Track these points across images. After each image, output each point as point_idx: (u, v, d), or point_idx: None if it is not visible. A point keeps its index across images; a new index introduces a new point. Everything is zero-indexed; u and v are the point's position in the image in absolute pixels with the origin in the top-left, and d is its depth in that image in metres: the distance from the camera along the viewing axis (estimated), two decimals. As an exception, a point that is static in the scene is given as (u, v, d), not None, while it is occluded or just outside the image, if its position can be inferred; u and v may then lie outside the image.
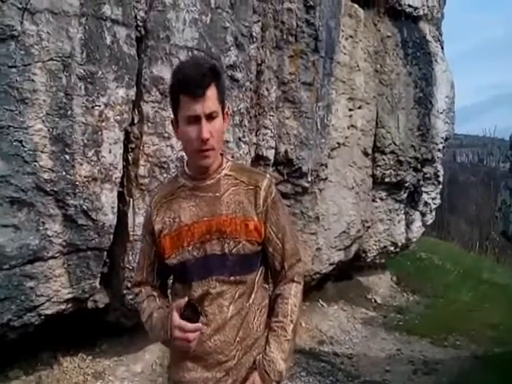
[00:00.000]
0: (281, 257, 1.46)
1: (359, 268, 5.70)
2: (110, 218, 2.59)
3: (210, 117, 1.33)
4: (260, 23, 3.51)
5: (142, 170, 2.73)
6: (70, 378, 3.01)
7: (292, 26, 3.85)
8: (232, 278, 1.38)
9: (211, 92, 1.32)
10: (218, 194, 1.40)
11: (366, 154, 4.89)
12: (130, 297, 2.83)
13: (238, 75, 3.21)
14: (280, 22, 3.80)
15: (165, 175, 2.82)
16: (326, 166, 4.43)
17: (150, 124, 2.75)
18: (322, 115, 4.29)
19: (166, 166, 2.82)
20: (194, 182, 1.42)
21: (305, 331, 4.25)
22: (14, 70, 2.21)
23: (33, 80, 2.27)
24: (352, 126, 4.67)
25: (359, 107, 4.68)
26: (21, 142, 2.26)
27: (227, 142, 3.16)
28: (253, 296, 1.43)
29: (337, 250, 4.68)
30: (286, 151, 3.96)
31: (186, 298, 1.32)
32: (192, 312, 1.30)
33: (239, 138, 3.26)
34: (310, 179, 4.18)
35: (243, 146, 3.31)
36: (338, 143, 4.54)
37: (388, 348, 4.26)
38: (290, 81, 3.93)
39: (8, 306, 2.37)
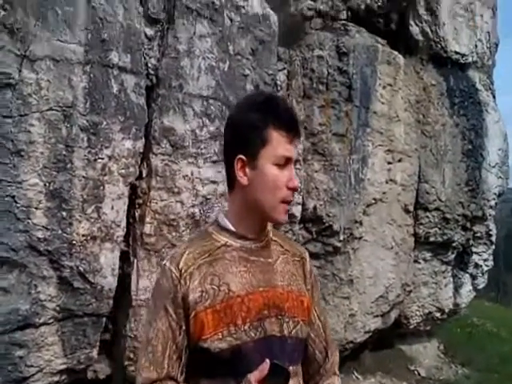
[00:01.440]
0: (322, 344, 1.30)
1: (401, 336, 5.27)
2: (109, 281, 2.41)
3: (294, 164, 1.20)
4: (286, 71, 3.37)
5: (148, 228, 2.56)
6: None
7: (322, 73, 3.71)
8: (290, 367, 1.13)
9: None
10: (270, 261, 1.21)
11: (406, 210, 4.58)
12: (132, 368, 2.60)
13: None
14: (309, 70, 3.66)
15: (174, 234, 2.64)
16: (361, 224, 4.15)
17: (158, 178, 2.60)
18: (357, 168, 4.06)
19: (174, 223, 2.64)
20: (240, 241, 1.19)
21: (335, 410, 3.85)
22: (9, 120, 2.13)
23: (29, 131, 2.18)
24: (391, 180, 4.40)
25: (399, 160, 4.42)
26: (13, 197, 2.15)
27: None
28: None
29: (373, 316, 4.32)
30: (314, 207, 3.73)
31: (268, 361, 1.05)
32: (281, 375, 1.04)
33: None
34: (342, 238, 3.91)
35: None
36: (375, 199, 4.26)
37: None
38: (320, 132, 3.75)
39: (-7, 378, 2.19)
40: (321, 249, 3.87)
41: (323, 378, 1.30)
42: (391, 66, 4.55)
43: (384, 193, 4.36)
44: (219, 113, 2.81)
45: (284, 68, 3.32)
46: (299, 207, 3.58)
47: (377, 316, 4.40)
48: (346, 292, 4.07)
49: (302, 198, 3.65)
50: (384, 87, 4.31)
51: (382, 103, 4.28)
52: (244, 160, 1.15)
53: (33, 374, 2.27)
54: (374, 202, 4.29)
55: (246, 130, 1.16)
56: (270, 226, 1.27)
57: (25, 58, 2.15)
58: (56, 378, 2.37)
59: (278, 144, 1.13)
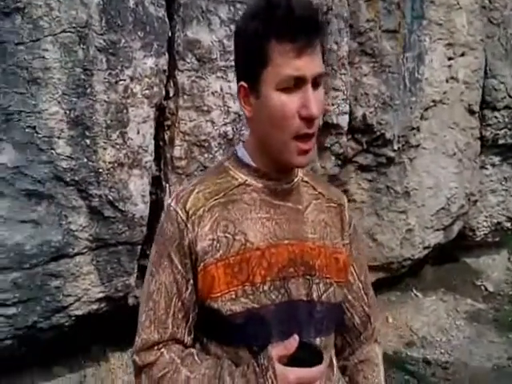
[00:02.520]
0: (363, 309, 1.19)
1: (466, 248, 5.29)
2: (140, 209, 2.56)
3: (316, 82, 0.96)
4: (325, -38, 3.20)
5: (177, 151, 2.65)
6: (116, 376, 3.11)
7: (370, -39, 3.50)
8: (318, 339, 1.05)
9: (319, 47, 0.97)
10: (300, 207, 1.07)
11: (471, 111, 4.43)
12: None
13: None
14: (355, -42, 3.46)
15: (206, 155, 2.72)
16: (419, 130, 4.08)
17: (186, 97, 2.64)
18: (412, 68, 3.92)
19: (206, 144, 2.71)
20: (262, 180, 1.05)
21: (391, 328, 4.04)
22: (21, 47, 2.19)
23: (44, 57, 2.24)
24: (452, 78, 4.23)
25: (462, 54, 4.22)
26: (34, 128, 2.26)
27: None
28: (335, 370, 1.13)
29: (434, 230, 4.36)
30: (364, 115, 3.68)
31: (296, 337, 0.95)
32: (311, 354, 0.94)
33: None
34: (396, 147, 3.88)
35: (304, 114, 3.11)
36: (434, 101, 4.14)
37: (497, 355, 3.87)
38: (368, 29, 3.61)
39: (33, 308, 2.44)
40: (372, 160, 3.87)
41: (363, 346, 1.21)
42: None
43: (444, 93, 4.22)
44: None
45: (323, -42, 3.15)
46: (346, 116, 3.55)
47: (437, 230, 4.43)
48: (402, 206, 4.10)
49: (349, 106, 3.60)
50: (443, -30, 4.03)
51: (441, -11, 4.03)
52: (245, 86, 1.00)
53: (71, 303, 2.51)
54: (432, 104, 4.17)
55: (244, 46, 1.01)
56: None
57: (31, -23, 2.16)
58: (95, 306, 2.61)
59: (283, 61, 0.94)
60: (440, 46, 4.14)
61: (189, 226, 1.01)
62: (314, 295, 1.04)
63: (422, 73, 4.03)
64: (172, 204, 1.05)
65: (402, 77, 3.82)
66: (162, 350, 1.02)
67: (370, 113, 3.68)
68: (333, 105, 3.43)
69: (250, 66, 0.99)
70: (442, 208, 4.38)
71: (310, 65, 0.94)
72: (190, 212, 1.02)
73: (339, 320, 1.15)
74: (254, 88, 0.99)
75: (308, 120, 0.96)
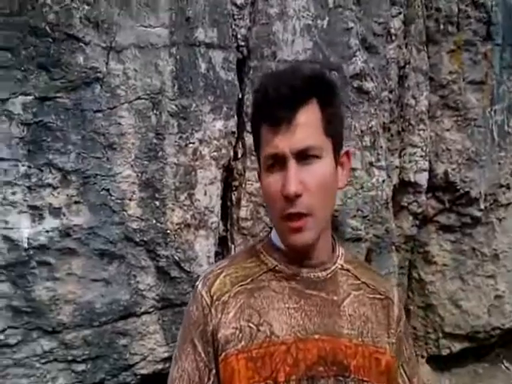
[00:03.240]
0: None
1: None
2: (205, 269, 2.76)
3: (305, 157, 0.99)
4: (402, 16, 3.38)
5: (243, 212, 2.86)
6: None
7: (452, 11, 3.63)
8: None
9: (308, 116, 0.98)
10: (335, 298, 1.05)
11: None
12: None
13: (368, 85, 3.14)
14: (434, 10, 3.61)
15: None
16: (509, 188, 4.06)
17: (253, 158, 2.85)
18: (501, 121, 3.95)
19: (273, 206, 2.89)
20: (293, 267, 1.07)
21: (476, 404, 3.96)
22: (99, 114, 2.50)
23: (119, 123, 2.54)
24: (548, 131, 4.20)
25: (558, 106, 4.19)
26: (108, 190, 2.55)
27: (353, 169, 3.12)
28: None
29: (527, 297, 4.26)
30: (445, 172, 3.75)
31: None
32: None
33: (370, 163, 3.19)
34: (483, 206, 3.89)
35: (377, 172, 3.24)
36: (527, 156, 4.12)
37: None
38: (451, 81, 3.71)
39: (101, 365, 2.68)
40: (456, 220, 3.90)
41: None
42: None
43: (539, 148, 4.20)
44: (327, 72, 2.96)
45: (400, 13, 3.32)
46: (425, 174, 3.64)
47: (531, 297, 4.33)
48: (491, 270, 4.06)
49: (430, 163, 3.69)
50: (537, 16, 4.06)
51: (535, 36, 4.06)
52: (257, 171, 1.10)
53: (137, 362, 2.73)
54: (525, 159, 4.16)
55: (251, 129, 1.10)
56: (341, 248, 1.16)
57: (111, 49, 2.48)
58: (160, 366, 2.81)
59: (265, 141, 1.01)
60: (533, 97, 4.15)
61: (213, 311, 1.03)
62: None
63: (513, 126, 4.05)
64: (199, 286, 1.08)
65: (489, 131, 3.86)
66: None
67: (453, 169, 3.73)
68: (410, 162, 3.53)
69: (255, 148, 1.10)
70: (537, 272, 4.29)
71: (288, 141, 0.96)
72: (215, 297, 1.04)
73: None
74: (259, 168, 1.08)
75: (288, 199, 0.97)
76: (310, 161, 0.98)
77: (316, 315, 1.01)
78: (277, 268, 1.07)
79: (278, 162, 0.99)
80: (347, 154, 1.09)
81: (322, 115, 1.00)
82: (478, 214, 3.88)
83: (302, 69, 1.06)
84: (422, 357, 3.97)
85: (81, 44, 2.36)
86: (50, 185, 2.39)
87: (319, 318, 1.02)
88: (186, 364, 1.05)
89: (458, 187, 3.77)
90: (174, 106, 2.63)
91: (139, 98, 2.56)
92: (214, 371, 1.03)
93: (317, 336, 1.00)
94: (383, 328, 1.07)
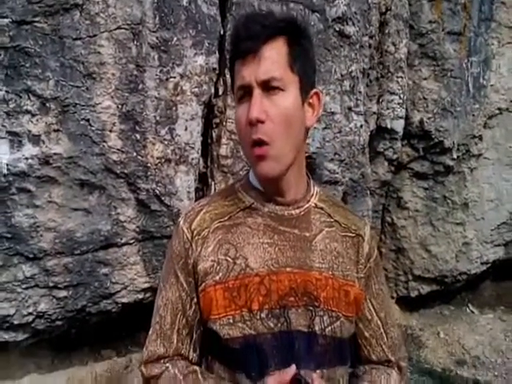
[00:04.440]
0: (381, 348, 1.16)
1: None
2: (185, 204, 2.70)
3: (269, 87, 0.98)
4: (385, -39, 3.27)
5: (223, 150, 2.78)
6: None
7: (433, -40, 3.53)
8: (319, 371, 1.03)
9: (274, 50, 0.98)
10: (307, 234, 1.07)
11: (540, 121, 4.33)
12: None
13: (350, 29, 3.06)
14: (416, -42, 3.50)
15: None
16: (481, 139, 4.04)
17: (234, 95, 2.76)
18: (477, 73, 3.91)
19: (253, 144, 2.82)
20: (269, 205, 1.08)
21: (442, 344, 4.01)
22: (78, 42, 2.38)
23: (99, 52, 2.42)
24: (521, 85, 4.16)
25: (533, 60, 4.14)
26: (88, 120, 2.45)
27: (333, 113, 3.06)
28: None
29: (493, 245, 4.30)
30: (421, 121, 3.71)
31: (293, 367, 0.97)
32: None
33: (349, 108, 3.12)
34: (455, 156, 3.87)
35: (355, 117, 3.17)
36: (500, 109, 4.09)
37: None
38: (430, 31, 3.63)
39: (82, 292, 2.63)
40: (429, 168, 3.88)
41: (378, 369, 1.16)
42: None
43: (512, 101, 4.17)
44: (301, 18, 2.85)
45: (383, -42, 3.21)
46: (401, 121, 3.59)
47: (498, 245, 4.36)
48: (460, 217, 4.07)
49: (406, 110, 3.63)
50: (517, -30, 3.98)
51: (514, -10, 3.98)
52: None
53: (118, 291, 2.69)
54: (498, 112, 4.13)
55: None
56: (317, 188, 1.16)
57: (90, -25, 2.35)
58: (140, 296, 2.77)
59: (237, 74, 1.02)
60: (509, 51, 4.09)
61: (193, 245, 1.06)
62: (317, 327, 1.03)
63: (488, 78, 4.00)
64: (181, 222, 1.10)
65: (464, 82, 3.82)
66: (168, 364, 1.07)
67: (428, 118, 3.69)
68: (387, 108, 3.47)
69: (231, 85, 1.08)
70: (504, 223, 4.30)
71: (254, 72, 0.97)
72: (195, 232, 1.06)
73: (347, 354, 1.11)
74: None
75: (252, 125, 0.98)
76: (275, 92, 0.98)
77: (289, 250, 1.04)
78: (253, 206, 1.09)
79: (246, 93, 1.00)
80: (317, 94, 1.05)
81: (288, 51, 0.99)
82: (451, 163, 3.87)
83: (275, 12, 1.05)
84: (392, 298, 3.99)
85: (60, -33, 2.22)
86: (28, 111, 2.29)
87: (292, 252, 1.04)
88: (170, 293, 1.08)
89: (433, 136, 3.74)
90: (154, 38, 2.52)
91: (119, 27, 2.45)
92: (195, 300, 1.06)
93: (289, 269, 1.03)
94: (353, 263, 1.10)
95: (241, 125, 1.02)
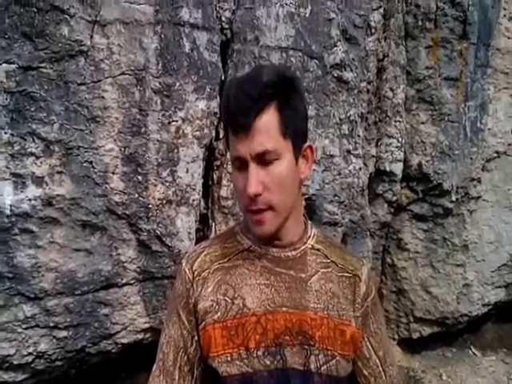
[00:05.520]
0: None
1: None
2: (186, 245, 2.68)
3: (264, 159, 1.02)
4: (382, 9, 3.32)
5: (224, 191, 2.78)
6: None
7: (430, 9, 3.59)
8: None
9: (266, 121, 1.01)
10: (303, 275, 1.10)
11: (538, 165, 4.32)
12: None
13: (348, 75, 3.09)
14: (414, 6, 3.56)
15: (252, 196, 2.82)
16: (480, 182, 4.03)
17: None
18: (474, 117, 3.93)
19: (253, 186, 2.82)
20: (265, 247, 1.13)
21: (444, 387, 3.91)
22: (83, 87, 2.41)
23: (103, 97, 2.45)
24: (518, 129, 4.18)
25: (529, 104, 4.17)
26: (91, 162, 2.45)
27: (332, 156, 3.06)
28: None
29: (494, 287, 4.23)
30: (419, 164, 3.70)
31: None
32: None
33: (348, 151, 3.13)
34: (454, 198, 3.85)
35: (354, 160, 3.18)
36: (497, 152, 4.10)
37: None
38: (427, 76, 3.66)
39: (82, 333, 2.59)
40: (428, 210, 3.86)
41: None
42: (521, -8, 4.23)
43: (510, 145, 4.18)
44: (300, 64, 2.90)
45: (380, 6, 3.27)
46: (399, 164, 3.58)
47: (499, 287, 4.30)
48: (460, 259, 4.03)
49: (405, 153, 3.64)
50: (510, 19, 4.03)
51: (508, 38, 4.03)
52: None
53: (118, 331, 2.64)
54: (496, 155, 4.14)
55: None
56: (314, 229, 1.19)
57: (96, 23, 2.39)
58: (140, 336, 2.73)
59: (231, 144, 1.07)
60: (505, 96, 4.12)
61: (194, 285, 1.11)
62: (312, 366, 1.05)
63: (485, 123, 4.02)
64: (183, 263, 1.16)
65: (462, 126, 3.83)
66: None
67: (427, 161, 3.69)
68: (386, 152, 3.47)
69: (226, 144, 1.15)
70: (504, 264, 4.26)
71: (248, 146, 1.01)
72: (195, 273, 1.12)
73: None
74: None
75: (250, 198, 1.03)
76: (270, 162, 1.02)
77: (284, 290, 1.07)
78: (251, 248, 1.13)
79: (242, 164, 1.05)
80: (310, 148, 1.10)
81: (279, 119, 1.02)
82: (450, 205, 3.85)
83: (262, 74, 1.05)
84: (394, 339, 3.91)
85: (65, 16, 2.27)
86: (32, 154, 2.30)
87: (287, 293, 1.07)
88: (173, 331, 1.13)
89: (432, 178, 3.73)
90: (157, 84, 2.55)
91: (123, 73, 2.48)
92: (196, 338, 1.10)
93: (284, 309, 1.06)
94: (349, 303, 1.11)
95: (238, 191, 1.07)
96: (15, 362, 2.46)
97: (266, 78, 1.04)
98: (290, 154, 1.05)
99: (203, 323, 1.08)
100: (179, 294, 1.13)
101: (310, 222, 1.21)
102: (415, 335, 3.93)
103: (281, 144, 1.02)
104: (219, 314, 1.07)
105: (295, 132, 1.05)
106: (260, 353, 1.04)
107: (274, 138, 1.02)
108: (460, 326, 4.17)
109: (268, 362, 1.03)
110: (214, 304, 1.08)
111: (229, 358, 1.04)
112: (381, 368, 1.16)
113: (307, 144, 1.09)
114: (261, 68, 1.12)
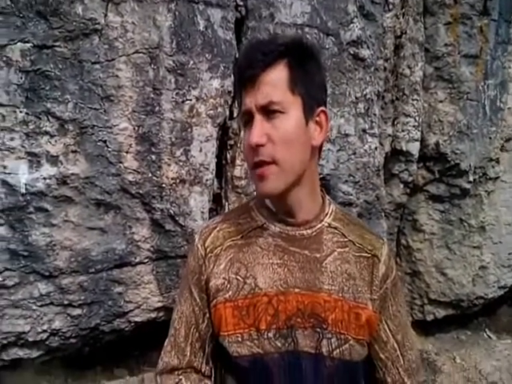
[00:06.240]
0: (397, 371, 1.15)
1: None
2: (199, 225, 2.73)
3: (269, 111, 1.03)
4: (401, -15, 3.31)
5: (238, 171, 2.82)
6: None
7: (450, -16, 3.56)
8: None
9: (273, 75, 1.02)
10: (318, 255, 1.09)
11: (559, 144, 4.30)
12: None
13: (364, 53, 3.09)
14: (433, -19, 3.54)
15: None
16: (498, 162, 4.03)
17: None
18: (493, 96, 3.91)
19: (266, 165, 2.86)
20: (280, 225, 1.11)
21: (458, 369, 3.96)
22: (97, 66, 2.45)
23: (117, 76, 2.49)
24: (539, 108, 4.15)
25: (551, 83, 4.13)
26: (105, 141, 2.50)
27: (347, 135, 3.08)
28: None
29: (511, 270, 4.25)
30: (437, 143, 3.71)
31: None
32: None
33: (363, 130, 3.15)
34: (472, 178, 3.86)
35: (370, 139, 3.20)
36: (517, 132, 4.08)
37: None
38: (446, 54, 3.65)
39: (96, 311, 2.67)
40: (445, 191, 3.87)
41: None
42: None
43: (530, 124, 4.15)
44: (316, 41, 2.90)
45: (398, -18, 3.25)
46: (416, 143, 3.59)
47: (515, 269, 4.32)
48: (477, 241, 4.05)
49: (422, 133, 3.64)
50: (534, -6, 3.99)
51: (531, 14, 3.99)
52: None
53: (131, 310, 2.72)
54: (515, 135, 4.12)
55: None
56: (333, 206, 1.17)
57: (109, 1, 2.42)
58: (153, 315, 2.80)
59: (241, 101, 1.08)
60: (527, 74, 4.09)
61: (206, 262, 1.11)
62: (324, 349, 1.04)
63: (505, 101, 4.00)
64: (196, 239, 1.17)
65: (481, 105, 3.82)
66: (181, 377, 1.12)
67: (444, 141, 3.69)
68: (403, 131, 3.49)
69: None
70: (522, 246, 4.27)
71: (254, 97, 1.03)
72: (208, 249, 1.12)
73: (359, 378, 1.11)
74: None
75: (253, 149, 1.03)
76: (275, 115, 1.02)
77: (298, 271, 1.06)
78: (265, 225, 1.11)
79: (249, 119, 1.05)
80: (324, 113, 1.07)
81: (289, 74, 1.02)
82: (467, 185, 3.85)
83: (279, 37, 1.13)
84: (407, 321, 3.95)
85: (80, -7, 2.30)
86: (47, 132, 2.35)
87: (301, 273, 1.06)
88: (184, 307, 1.15)
89: (449, 159, 3.73)
90: (171, 62, 2.58)
91: (137, 51, 2.51)
92: (207, 315, 1.11)
93: (297, 290, 1.05)
94: (366, 285, 1.10)
95: (245, 149, 1.08)
96: (30, 339, 2.55)
97: (281, 40, 1.07)
98: (298, 112, 1.04)
99: (214, 301, 1.09)
100: (192, 270, 1.13)
101: (328, 197, 1.19)
102: (429, 317, 3.97)
103: (288, 98, 1.02)
104: (230, 292, 1.07)
105: (307, 92, 1.04)
106: (271, 334, 1.03)
107: (281, 90, 1.02)
108: (475, 309, 4.20)
109: (279, 344, 1.03)
110: (226, 282, 1.07)
111: (239, 339, 1.05)
112: (399, 352, 1.15)
113: (321, 108, 1.07)
114: (282, 34, 1.15)
